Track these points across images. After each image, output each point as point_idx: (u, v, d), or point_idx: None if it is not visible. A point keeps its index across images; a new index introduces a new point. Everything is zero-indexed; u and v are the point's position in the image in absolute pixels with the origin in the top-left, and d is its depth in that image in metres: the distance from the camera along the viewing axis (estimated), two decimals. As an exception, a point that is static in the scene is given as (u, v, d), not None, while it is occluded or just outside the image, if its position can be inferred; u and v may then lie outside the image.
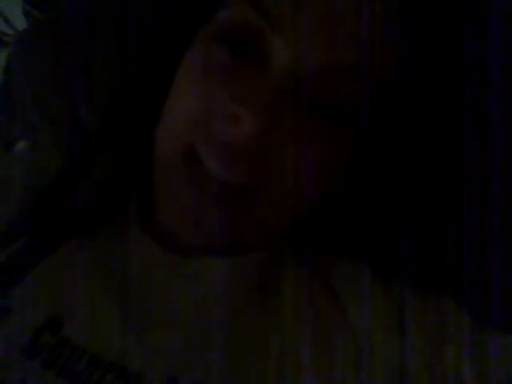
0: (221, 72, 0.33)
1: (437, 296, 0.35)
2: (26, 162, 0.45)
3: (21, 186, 0.43)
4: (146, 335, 0.34)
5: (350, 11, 0.32)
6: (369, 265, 0.38)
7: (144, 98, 0.42)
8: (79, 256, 0.38)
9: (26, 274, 0.36)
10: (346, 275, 0.38)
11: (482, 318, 0.34)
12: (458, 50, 0.38)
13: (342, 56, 0.32)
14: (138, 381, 0.32)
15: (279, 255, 0.39)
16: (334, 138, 0.34)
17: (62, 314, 0.34)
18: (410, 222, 0.39)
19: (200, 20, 0.37)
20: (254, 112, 0.30)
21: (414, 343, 0.33)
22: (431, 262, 0.39)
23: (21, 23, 0.70)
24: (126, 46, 0.45)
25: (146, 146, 0.40)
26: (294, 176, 0.33)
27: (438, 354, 0.32)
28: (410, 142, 0.38)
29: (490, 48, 0.38)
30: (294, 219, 0.38)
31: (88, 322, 0.34)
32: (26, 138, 0.50)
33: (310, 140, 0.33)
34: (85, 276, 0.37)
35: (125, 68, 0.45)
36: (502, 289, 0.37)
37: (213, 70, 0.33)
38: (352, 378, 0.32)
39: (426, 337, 0.33)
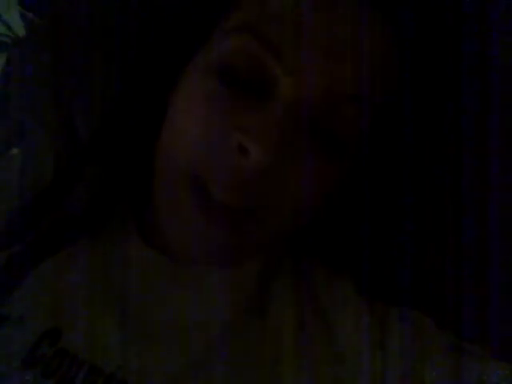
0: (223, 102, 0.33)
1: (417, 316, 0.36)
2: (20, 165, 0.45)
3: (16, 190, 0.43)
4: (145, 346, 0.34)
5: (351, 42, 0.32)
6: (356, 282, 0.38)
7: (139, 110, 0.42)
8: (78, 264, 0.38)
9: (23, 281, 0.37)
10: (334, 290, 0.39)
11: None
12: (455, 74, 0.38)
13: (345, 86, 0.32)
14: None
15: (277, 266, 0.39)
16: (331, 163, 0.34)
17: (61, 325, 0.35)
18: (399, 245, 0.40)
19: (197, 41, 0.36)
20: (263, 145, 0.30)
21: (393, 357, 0.34)
22: (416, 284, 0.40)
23: (19, 26, 0.70)
24: (123, 61, 0.45)
25: (141, 154, 0.40)
26: (294, 199, 0.34)
27: (415, 370, 0.33)
28: (405, 161, 0.38)
29: (488, 71, 0.38)
30: (291, 234, 0.38)
31: (87, 333, 0.35)
32: (18, 142, 0.51)
33: (310, 166, 0.33)
34: (83, 285, 0.37)
35: (120, 82, 0.45)
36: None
37: (214, 99, 0.33)
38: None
39: (405, 353, 0.34)
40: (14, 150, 0.46)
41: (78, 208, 0.41)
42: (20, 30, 0.72)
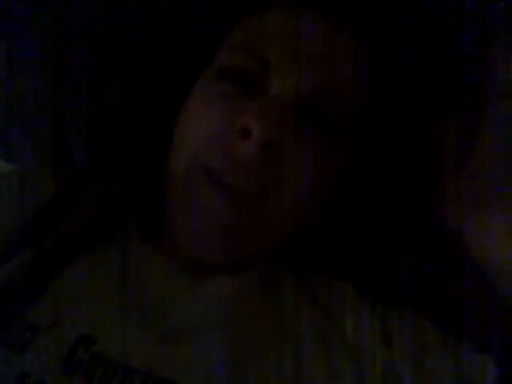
0: (226, 99, 0.39)
1: (415, 316, 0.41)
2: (19, 183, 0.45)
3: (15, 206, 0.44)
4: (175, 345, 0.36)
5: (322, 54, 0.40)
6: (356, 286, 0.42)
7: (144, 125, 0.44)
8: (92, 272, 0.40)
9: (39, 294, 0.38)
10: (335, 292, 0.42)
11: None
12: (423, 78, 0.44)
13: (321, 83, 0.39)
14: None
15: (277, 274, 0.43)
16: (326, 148, 0.40)
17: (92, 331, 0.36)
18: (397, 250, 0.44)
19: (201, 63, 0.42)
20: (262, 123, 0.36)
21: (399, 353, 0.38)
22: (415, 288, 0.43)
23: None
24: (128, 81, 0.47)
25: (142, 169, 0.42)
26: (295, 182, 0.39)
27: (420, 362, 0.37)
28: (403, 162, 0.43)
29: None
30: (294, 231, 0.42)
31: (117, 338, 0.36)
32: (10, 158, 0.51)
33: (308, 149, 0.39)
34: (103, 293, 0.39)
35: (124, 101, 0.46)
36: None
37: (220, 98, 0.39)
38: (351, 375, 0.37)
39: (409, 348, 0.38)
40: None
41: (80, 225, 0.42)
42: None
